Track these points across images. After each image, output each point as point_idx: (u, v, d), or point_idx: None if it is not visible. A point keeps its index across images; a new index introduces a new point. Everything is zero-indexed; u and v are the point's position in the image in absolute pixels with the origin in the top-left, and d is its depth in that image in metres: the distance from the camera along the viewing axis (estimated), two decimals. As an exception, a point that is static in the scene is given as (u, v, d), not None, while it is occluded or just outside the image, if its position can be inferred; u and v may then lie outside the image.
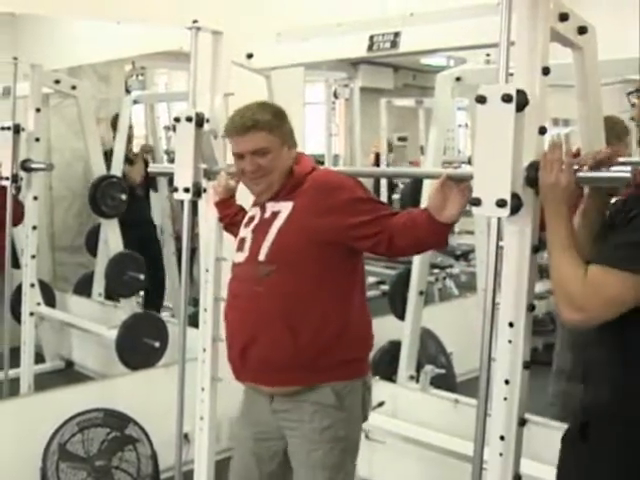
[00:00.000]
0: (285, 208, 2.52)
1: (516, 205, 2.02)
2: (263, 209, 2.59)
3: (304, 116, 4.54)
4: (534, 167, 2.02)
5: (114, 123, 5.61)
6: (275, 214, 2.54)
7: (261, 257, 2.50)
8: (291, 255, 2.47)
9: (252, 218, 2.63)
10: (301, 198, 2.51)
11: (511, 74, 2.04)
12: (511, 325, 2.10)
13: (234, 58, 3.25)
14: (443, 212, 2.30)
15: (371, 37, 2.89)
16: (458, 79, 4.40)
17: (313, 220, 2.46)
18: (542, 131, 2.05)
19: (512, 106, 1.98)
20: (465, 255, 7.14)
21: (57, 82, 4.78)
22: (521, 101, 1.99)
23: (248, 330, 2.52)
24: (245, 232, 2.62)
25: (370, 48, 2.90)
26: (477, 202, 2.06)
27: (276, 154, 2.53)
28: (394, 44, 2.82)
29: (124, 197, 5.18)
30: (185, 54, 3.24)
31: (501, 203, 2.01)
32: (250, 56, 3.28)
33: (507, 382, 2.11)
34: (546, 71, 2.03)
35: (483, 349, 2.13)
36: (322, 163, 7.63)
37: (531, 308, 2.10)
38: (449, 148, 5.40)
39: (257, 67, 3.33)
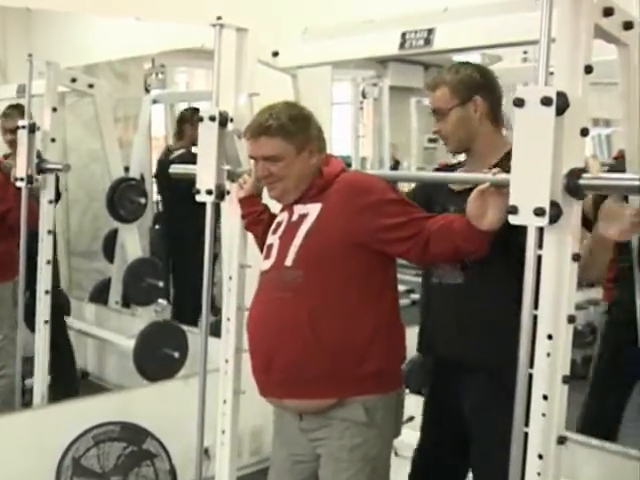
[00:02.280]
0: (313, 210, 2.53)
1: (555, 214, 2.01)
2: (290, 212, 2.60)
3: (331, 117, 4.53)
4: (574, 174, 2.02)
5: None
6: (302, 217, 2.54)
7: (288, 262, 2.51)
8: (319, 259, 2.47)
9: (279, 224, 2.64)
10: (330, 199, 2.52)
11: (551, 73, 2.04)
12: (550, 337, 2.08)
13: (259, 56, 3.26)
14: (483, 220, 2.29)
15: (403, 34, 2.89)
16: (493, 78, 4.38)
17: (343, 222, 2.46)
18: (584, 133, 2.04)
19: (552, 109, 1.97)
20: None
21: (73, 80, 4.78)
22: (561, 104, 1.97)
23: (273, 338, 2.51)
24: (272, 239, 2.62)
25: (402, 46, 2.89)
26: (514, 210, 2.05)
27: (289, 162, 2.53)
28: (428, 41, 2.82)
29: (143, 201, 5.21)
30: (207, 52, 3.26)
31: (539, 212, 2.00)
32: (276, 54, 3.28)
33: (545, 397, 2.09)
34: (589, 69, 2.02)
35: (520, 362, 2.12)
36: (349, 166, 7.62)
37: (571, 320, 2.09)
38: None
39: (283, 66, 3.33)
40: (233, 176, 3.04)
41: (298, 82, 3.44)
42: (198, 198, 3.07)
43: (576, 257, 2.07)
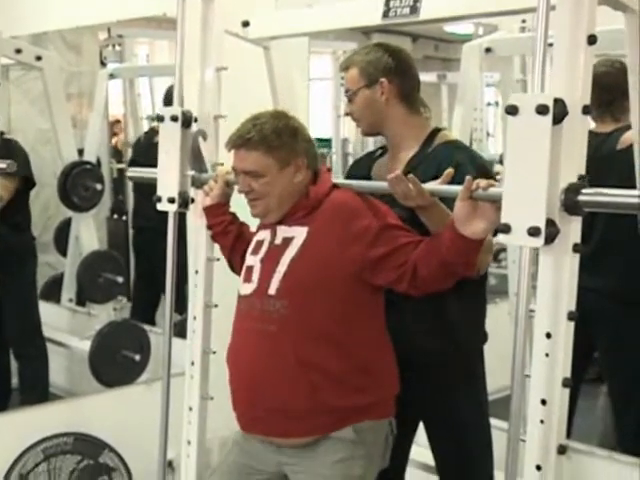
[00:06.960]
0: (299, 234, 2.56)
1: (552, 233, 2.03)
2: (273, 233, 2.63)
3: (308, 94, 4.53)
4: (573, 190, 2.03)
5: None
6: (287, 240, 2.57)
7: (271, 290, 2.54)
8: (305, 289, 2.51)
9: (260, 243, 2.66)
10: (317, 223, 2.55)
11: (550, 44, 2.04)
12: (548, 336, 2.10)
13: (227, 26, 3.25)
14: (468, 226, 2.28)
15: (387, 2, 2.88)
16: (488, 50, 4.41)
17: (330, 249, 2.50)
18: (583, 141, 2.07)
19: (548, 118, 1.98)
20: (495, 255, 7.12)
21: (19, 51, 4.74)
22: (559, 112, 1.98)
23: (256, 375, 2.55)
24: (253, 260, 2.65)
25: (386, 15, 2.89)
26: (506, 229, 2.06)
27: (271, 179, 2.56)
28: (414, 10, 2.81)
29: (99, 187, 5.17)
30: (170, 21, 3.25)
31: (534, 231, 2.01)
32: (246, 24, 3.27)
33: (544, 402, 2.11)
34: (592, 40, 2.02)
35: (515, 364, 2.13)
36: (329, 147, 7.67)
37: (572, 316, 2.10)
38: (476, 130, 5.40)
39: (254, 37, 3.32)
40: (198, 182, 3.02)
41: (271, 55, 3.43)
42: (159, 207, 3.05)
43: (577, 247, 2.08)
